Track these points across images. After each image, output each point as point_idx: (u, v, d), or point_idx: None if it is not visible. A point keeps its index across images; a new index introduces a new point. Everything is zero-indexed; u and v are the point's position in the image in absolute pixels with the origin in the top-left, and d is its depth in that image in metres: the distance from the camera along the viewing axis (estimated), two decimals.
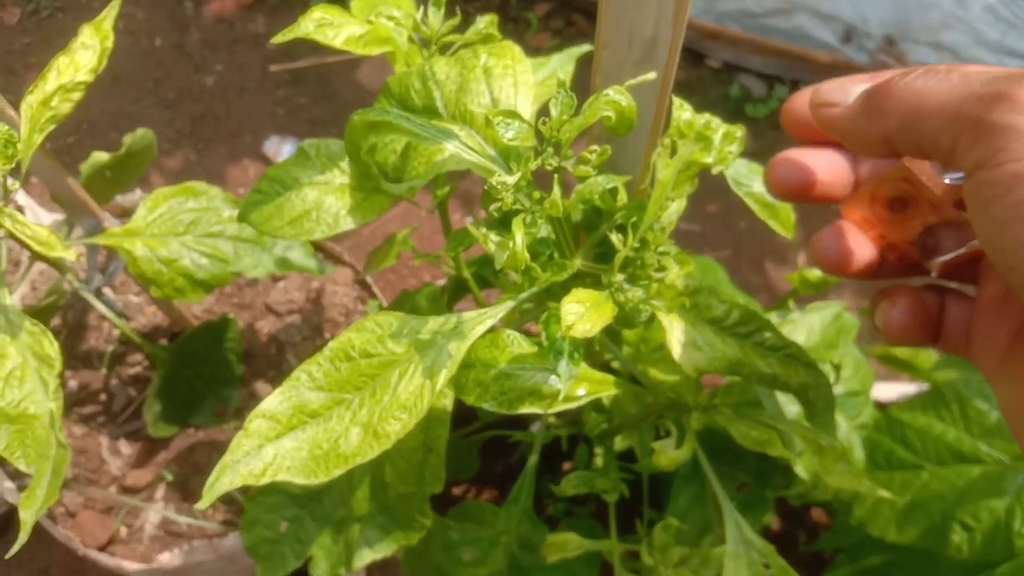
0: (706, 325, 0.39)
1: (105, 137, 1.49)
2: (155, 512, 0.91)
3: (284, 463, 0.42)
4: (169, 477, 0.91)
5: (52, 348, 0.62)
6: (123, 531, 0.91)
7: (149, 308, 0.98)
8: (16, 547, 0.60)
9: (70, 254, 0.58)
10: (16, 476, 0.93)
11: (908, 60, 1.48)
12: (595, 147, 0.35)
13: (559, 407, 0.41)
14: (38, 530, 1.32)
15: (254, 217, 0.55)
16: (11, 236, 0.58)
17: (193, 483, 0.91)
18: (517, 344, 0.41)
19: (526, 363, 0.40)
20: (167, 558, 0.87)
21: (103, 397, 0.96)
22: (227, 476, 0.41)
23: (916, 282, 0.33)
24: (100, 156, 0.81)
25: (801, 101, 0.33)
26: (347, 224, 0.55)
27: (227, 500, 0.91)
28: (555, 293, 0.44)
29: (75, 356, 0.97)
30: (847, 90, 0.30)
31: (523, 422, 0.76)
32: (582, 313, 0.35)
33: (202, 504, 0.40)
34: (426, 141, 0.39)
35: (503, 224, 0.48)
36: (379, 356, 0.43)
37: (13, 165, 0.56)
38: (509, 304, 0.42)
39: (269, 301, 1.00)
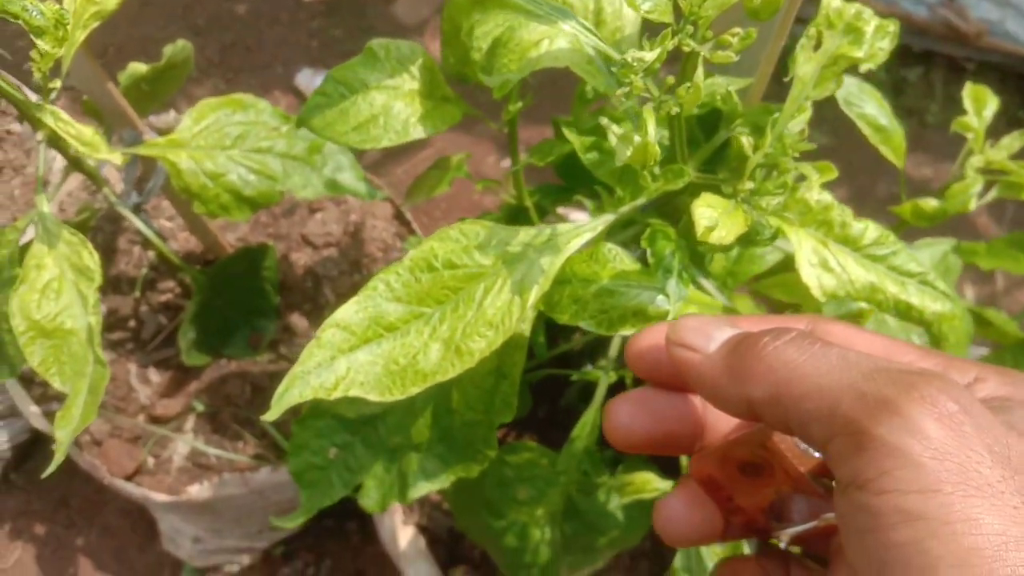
0: (839, 245, 0.35)
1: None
2: (184, 443, 0.88)
3: (357, 378, 0.39)
4: (200, 408, 0.88)
5: (92, 260, 0.59)
6: (150, 461, 0.89)
7: (182, 234, 0.94)
8: (52, 467, 0.58)
9: (115, 157, 0.54)
10: (42, 400, 0.90)
11: (969, 16, 1.41)
12: (737, 30, 0.30)
13: None
14: None
15: (316, 121, 0.51)
16: (52, 138, 0.55)
17: (224, 415, 0.89)
18: (619, 259, 0.38)
19: (631, 280, 0.36)
20: (196, 490, 0.84)
21: (132, 324, 0.93)
22: (297, 387, 0.38)
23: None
24: (138, 67, 0.77)
25: (650, 339, 0.29)
26: (417, 133, 0.51)
27: (259, 434, 0.88)
28: (651, 211, 0.40)
29: (104, 281, 0.94)
30: (708, 334, 0.26)
31: (576, 363, 0.73)
32: (716, 219, 0.31)
33: (269, 416, 0.37)
34: (538, 20, 0.35)
35: (597, 134, 0.44)
36: (464, 267, 0.39)
37: (60, 53, 0.52)
38: (608, 217, 0.38)
39: (306, 232, 0.96)
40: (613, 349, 0.57)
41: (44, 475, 0.60)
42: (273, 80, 1.42)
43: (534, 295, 0.37)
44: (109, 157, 0.54)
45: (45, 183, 1.02)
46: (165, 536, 1.14)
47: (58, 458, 0.57)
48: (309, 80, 1.39)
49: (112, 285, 0.94)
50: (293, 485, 0.90)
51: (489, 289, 0.38)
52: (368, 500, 0.53)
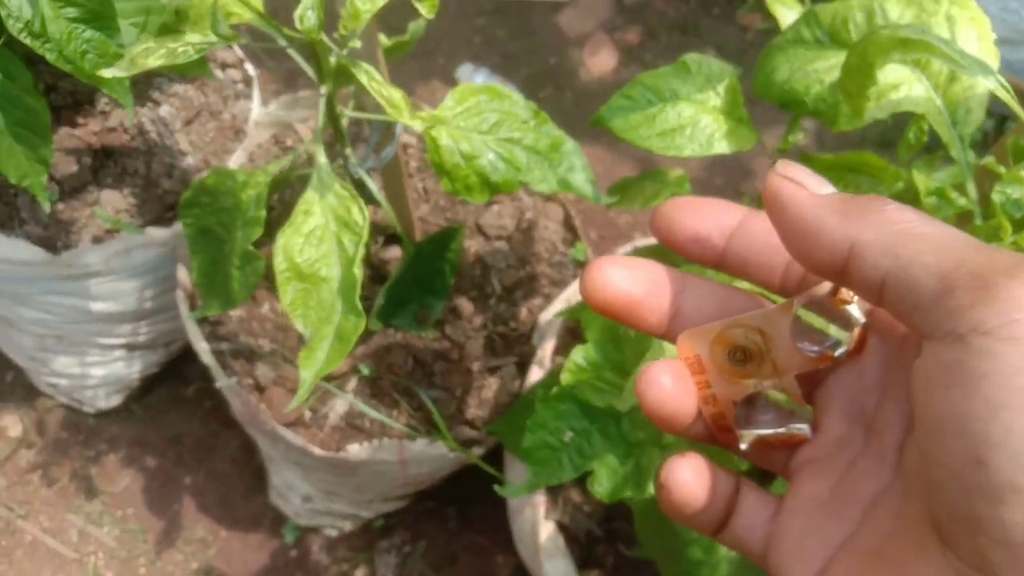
0: None
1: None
2: (344, 402, 0.91)
3: None
4: (365, 371, 0.91)
5: (360, 215, 0.62)
6: (307, 415, 0.92)
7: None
8: (295, 403, 0.61)
9: (417, 124, 0.58)
10: (211, 339, 0.94)
11: None
12: None
13: None
14: (178, 400, 1.34)
15: (617, 122, 0.54)
16: (362, 93, 0.58)
17: (384, 382, 0.92)
18: None
19: None
20: (355, 450, 0.87)
21: None
22: None
23: None
24: (382, 40, 0.81)
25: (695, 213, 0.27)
26: (721, 147, 0.53)
27: (415, 406, 0.91)
28: None
29: None
30: (821, 181, 0.24)
31: None
32: None
33: None
34: (959, 68, 0.37)
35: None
36: None
37: (371, 10, 0.56)
38: None
39: (481, 222, 0.99)
40: None
41: (289, 408, 0.63)
42: (433, 70, 1.46)
43: None
44: (411, 122, 0.57)
45: (237, 131, 1.06)
46: (275, 490, 1.18)
47: (301, 394, 0.60)
48: (470, 75, 1.43)
49: None
50: (436, 460, 0.93)
51: None
52: (599, 487, 0.56)
